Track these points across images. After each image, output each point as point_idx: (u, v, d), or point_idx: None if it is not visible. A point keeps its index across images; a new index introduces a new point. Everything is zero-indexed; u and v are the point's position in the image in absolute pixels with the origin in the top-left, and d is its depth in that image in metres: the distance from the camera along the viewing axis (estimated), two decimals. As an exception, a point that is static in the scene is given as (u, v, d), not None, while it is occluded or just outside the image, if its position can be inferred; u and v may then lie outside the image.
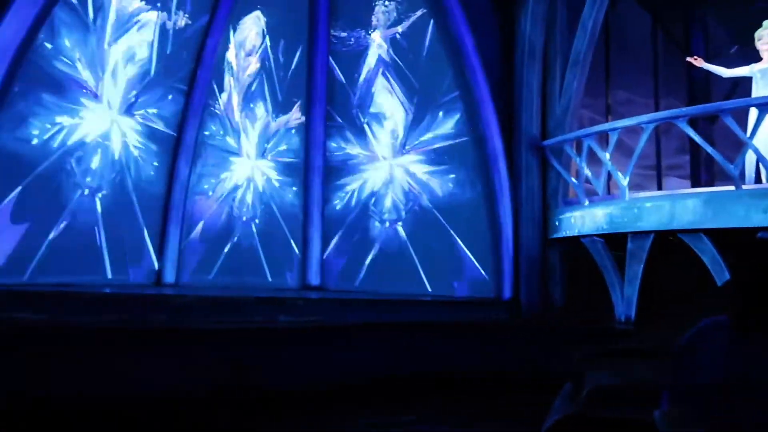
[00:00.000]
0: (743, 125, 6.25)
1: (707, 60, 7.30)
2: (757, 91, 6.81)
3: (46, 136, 6.04)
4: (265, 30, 7.78)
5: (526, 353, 6.23)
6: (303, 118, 8.14)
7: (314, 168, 8.16)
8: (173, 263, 7.19)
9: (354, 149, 8.35)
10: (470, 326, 6.60)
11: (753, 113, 6.31)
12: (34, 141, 5.96)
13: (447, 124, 8.00)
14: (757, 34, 6.99)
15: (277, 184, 8.18)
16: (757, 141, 6.10)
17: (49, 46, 5.94)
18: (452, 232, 7.88)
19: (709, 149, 6.46)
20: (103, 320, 4.75)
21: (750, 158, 6.23)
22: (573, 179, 7.51)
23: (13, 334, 4.09)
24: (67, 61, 6.15)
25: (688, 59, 7.10)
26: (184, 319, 5.56)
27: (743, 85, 7.47)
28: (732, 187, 5.98)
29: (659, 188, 9.28)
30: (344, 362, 4.68)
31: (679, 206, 6.32)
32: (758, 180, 6.40)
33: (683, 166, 9.90)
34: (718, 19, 9.80)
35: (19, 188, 5.73)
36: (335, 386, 4.24)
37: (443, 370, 5.04)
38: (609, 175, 7.20)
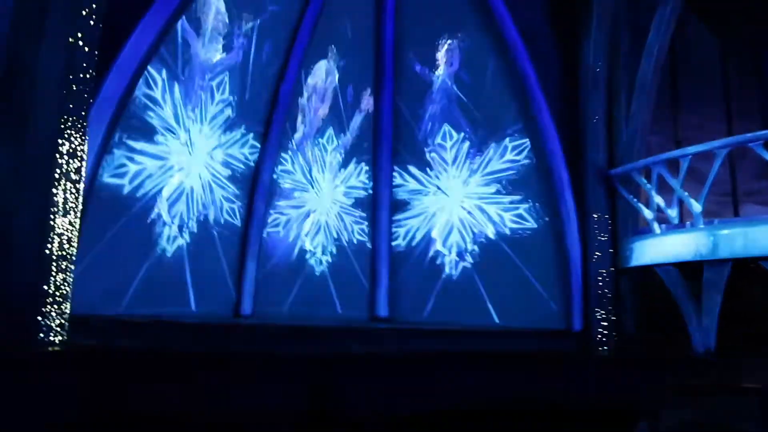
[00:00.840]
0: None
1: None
2: None
3: (140, 179, 6.61)
4: (336, 73, 8.20)
5: (597, 386, 6.13)
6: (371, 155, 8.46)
7: (382, 203, 8.43)
8: (250, 295, 7.56)
9: (420, 184, 8.56)
10: (542, 358, 6.54)
11: None
12: (130, 182, 6.53)
13: (512, 156, 8.10)
14: None
15: (346, 219, 8.48)
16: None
17: (143, 96, 6.55)
18: (519, 263, 7.90)
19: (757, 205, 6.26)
20: (191, 347, 5.09)
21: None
22: (643, 207, 7.40)
23: (114, 359, 4.47)
24: (158, 109, 6.74)
25: None
26: (263, 346, 5.87)
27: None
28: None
29: (736, 215, 8.96)
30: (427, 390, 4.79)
31: (757, 232, 6.13)
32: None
33: (762, 192, 9.53)
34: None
35: (117, 226, 6.27)
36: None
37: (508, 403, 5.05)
38: (681, 203, 7.07)
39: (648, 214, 7.31)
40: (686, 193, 6.84)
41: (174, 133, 6.83)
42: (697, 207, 6.70)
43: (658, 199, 7.13)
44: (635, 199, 7.48)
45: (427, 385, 5.06)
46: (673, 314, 7.05)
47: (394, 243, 8.47)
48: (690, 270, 6.87)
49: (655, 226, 7.14)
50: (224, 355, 5.02)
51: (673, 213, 7.12)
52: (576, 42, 8.02)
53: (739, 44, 9.56)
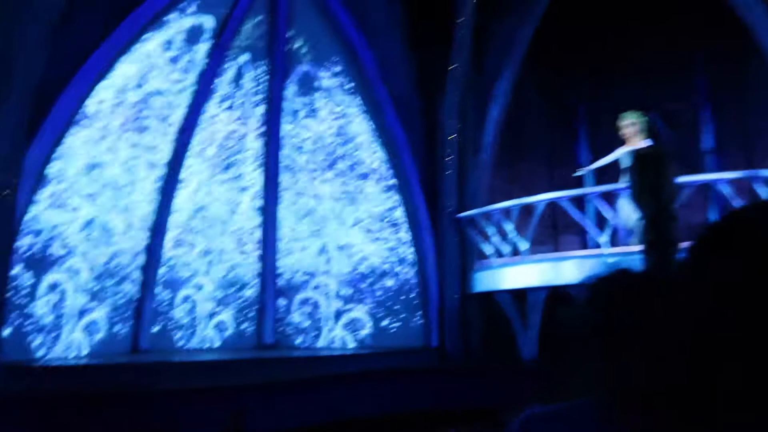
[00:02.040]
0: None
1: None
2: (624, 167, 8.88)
3: None
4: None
5: (453, 392, 7.77)
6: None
7: (269, 239, 9.48)
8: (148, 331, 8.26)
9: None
10: (404, 371, 8.05)
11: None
12: None
13: (385, 202, 9.58)
14: (619, 124, 9.12)
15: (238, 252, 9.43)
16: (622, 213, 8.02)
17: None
18: (389, 291, 9.37)
19: (584, 222, 8.35)
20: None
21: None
22: (484, 244, 9.22)
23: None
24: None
25: (577, 173, 9.15)
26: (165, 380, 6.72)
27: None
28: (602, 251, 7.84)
29: (556, 245, 11.19)
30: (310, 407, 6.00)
31: (564, 266, 8.11)
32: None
33: (576, 225, 11.94)
34: (600, 102, 12.01)
35: None
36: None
37: (388, 411, 6.45)
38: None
39: (488, 249, 9.13)
40: (516, 234, 8.71)
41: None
42: (524, 245, 8.58)
43: (495, 239, 8.96)
44: (479, 238, 9.27)
45: (315, 402, 6.28)
46: (508, 331, 8.90)
47: (280, 274, 9.56)
48: (519, 294, 8.75)
49: (493, 260, 8.97)
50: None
51: (506, 249, 8.98)
52: (435, 107, 9.70)
53: (559, 107, 11.89)
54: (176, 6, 8.22)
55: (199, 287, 8.96)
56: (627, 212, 8.29)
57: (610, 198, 8.33)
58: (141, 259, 8.36)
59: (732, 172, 7.74)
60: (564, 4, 10.00)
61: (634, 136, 9.13)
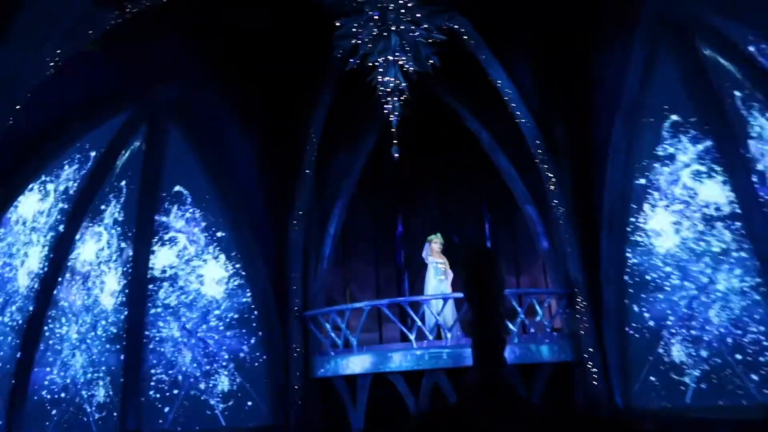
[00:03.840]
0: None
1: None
2: (429, 275, 11.80)
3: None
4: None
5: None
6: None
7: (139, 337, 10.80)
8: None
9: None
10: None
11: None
12: None
13: (240, 301, 11.42)
14: (429, 238, 12.13)
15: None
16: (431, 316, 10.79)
17: None
18: (243, 379, 11.10)
19: (398, 323, 10.98)
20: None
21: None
22: (323, 338, 11.41)
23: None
24: None
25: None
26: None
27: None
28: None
29: (380, 334, 13.78)
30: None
31: (385, 356, 10.57)
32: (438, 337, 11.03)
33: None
34: (414, 220, 15.14)
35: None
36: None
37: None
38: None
39: (326, 342, 11.35)
40: (348, 332, 11.04)
41: None
42: (353, 341, 10.94)
43: (332, 333, 11.22)
44: (319, 332, 11.47)
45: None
46: (342, 408, 11.08)
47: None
48: (350, 378, 11.01)
49: (330, 351, 11.19)
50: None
51: (341, 339, 11.27)
52: (285, 222, 11.92)
53: (383, 221, 14.83)
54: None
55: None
56: (446, 313, 11.14)
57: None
58: None
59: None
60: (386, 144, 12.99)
61: (437, 251, 12.19)
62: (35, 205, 9.49)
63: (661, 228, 9.86)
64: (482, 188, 14.14)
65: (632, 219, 10.21)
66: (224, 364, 11.18)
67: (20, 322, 9.59)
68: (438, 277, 12.12)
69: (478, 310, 2.09)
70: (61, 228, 9.93)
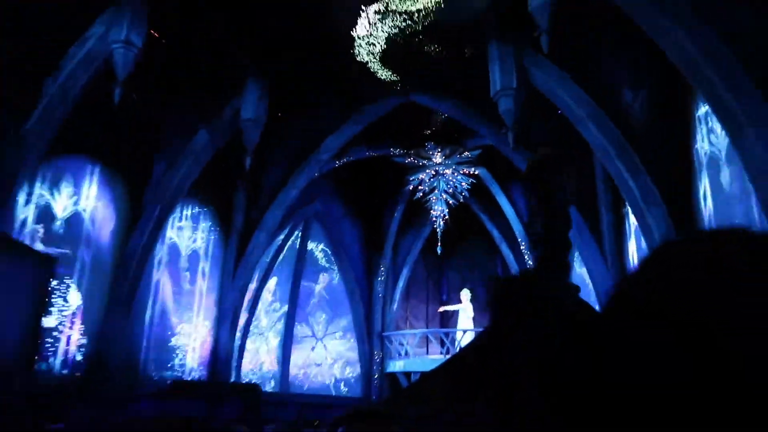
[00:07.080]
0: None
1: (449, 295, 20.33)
2: (461, 316, 19.78)
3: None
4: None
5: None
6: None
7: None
8: None
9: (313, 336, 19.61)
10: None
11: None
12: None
13: (343, 323, 19.74)
14: (462, 292, 20.14)
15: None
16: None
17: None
18: (351, 368, 19.40)
19: (438, 345, 18.96)
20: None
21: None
22: (393, 349, 19.51)
23: None
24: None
25: (439, 310, 20.04)
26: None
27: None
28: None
29: (426, 349, 21.76)
30: None
31: (425, 362, 18.53)
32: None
33: (437, 338, 22.66)
34: (452, 271, 22.98)
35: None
36: None
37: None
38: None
39: (394, 352, 19.52)
40: (407, 347, 19.11)
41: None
42: (410, 351, 19.03)
43: (398, 348, 19.33)
44: (390, 346, 19.60)
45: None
46: (401, 389, 19.15)
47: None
48: (407, 374, 19.05)
49: (396, 357, 19.30)
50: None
51: (402, 351, 19.35)
52: (372, 279, 20.16)
53: (433, 275, 22.87)
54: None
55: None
56: (467, 338, 19.06)
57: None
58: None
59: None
60: (435, 237, 20.98)
61: (467, 302, 20.11)
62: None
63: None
64: (495, 262, 21.89)
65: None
66: (339, 361, 19.52)
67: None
68: (465, 315, 19.97)
69: (542, 204, 2.40)
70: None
